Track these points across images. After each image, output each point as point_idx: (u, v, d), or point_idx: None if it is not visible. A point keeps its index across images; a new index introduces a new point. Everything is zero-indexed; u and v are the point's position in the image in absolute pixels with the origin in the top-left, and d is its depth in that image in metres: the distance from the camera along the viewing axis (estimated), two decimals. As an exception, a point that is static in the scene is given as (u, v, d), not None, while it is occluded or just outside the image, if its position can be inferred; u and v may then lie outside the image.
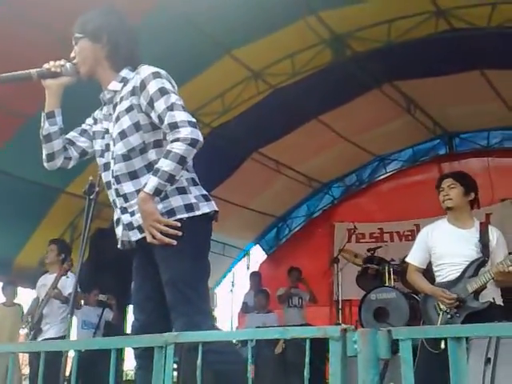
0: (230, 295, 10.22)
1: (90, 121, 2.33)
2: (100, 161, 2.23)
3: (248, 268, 10.68)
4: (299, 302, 7.43)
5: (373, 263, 6.69)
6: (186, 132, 1.95)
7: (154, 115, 2.03)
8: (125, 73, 2.17)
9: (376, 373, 1.25)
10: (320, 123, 8.20)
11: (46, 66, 2.19)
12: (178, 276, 1.99)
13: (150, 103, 2.02)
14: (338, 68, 6.87)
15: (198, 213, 2.05)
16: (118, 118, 2.11)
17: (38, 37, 5.12)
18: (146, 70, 2.07)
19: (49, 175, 7.03)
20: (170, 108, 1.98)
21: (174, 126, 1.96)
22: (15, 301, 6.67)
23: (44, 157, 2.27)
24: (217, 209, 2.12)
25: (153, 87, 2.02)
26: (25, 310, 6.50)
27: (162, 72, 2.09)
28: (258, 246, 10.89)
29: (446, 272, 3.36)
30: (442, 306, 3.35)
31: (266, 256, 10.77)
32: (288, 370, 5.61)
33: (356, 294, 6.84)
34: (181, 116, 1.97)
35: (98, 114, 2.30)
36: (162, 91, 2.01)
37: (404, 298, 5.73)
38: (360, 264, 6.91)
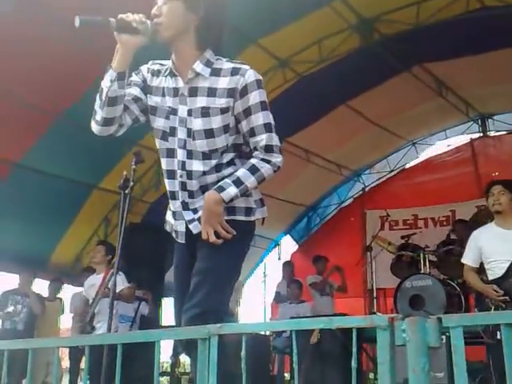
0: (261, 286, 10.24)
1: (138, 82, 2.08)
2: (161, 144, 2.06)
3: (279, 258, 10.67)
4: (330, 290, 7.39)
5: (407, 250, 6.60)
6: (278, 159, 2.01)
7: (244, 124, 1.99)
8: (209, 54, 2.02)
9: (426, 361, 1.22)
10: (349, 109, 8.11)
11: (124, 17, 1.92)
12: (214, 269, 1.97)
13: (247, 112, 1.97)
14: (366, 52, 6.76)
15: (252, 218, 2.06)
16: (206, 113, 1.97)
17: (52, 31, 5.15)
18: (251, 75, 1.97)
19: (81, 172, 7.22)
20: (269, 128, 1.99)
21: (269, 149, 1.99)
22: (57, 296, 6.86)
23: (99, 119, 2.00)
24: (266, 215, 2.11)
25: (255, 98, 1.97)
26: (65, 304, 6.69)
27: (262, 80, 2.02)
28: (288, 236, 10.86)
29: (495, 270, 3.70)
30: (493, 302, 3.64)
31: (297, 246, 10.74)
32: (324, 360, 5.58)
33: (390, 282, 6.76)
34: (277, 141, 2.02)
35: (152, 79, 2.08)
36: (263, 106, 1.98)
37: (440, 285, 5.64)
38: (394, 251, 6.83)
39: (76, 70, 5.54)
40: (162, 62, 2.11)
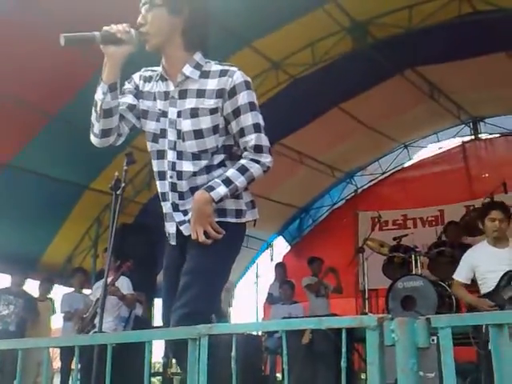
0: (254, 287, 10.25)
1: (131, 89, 2.11)
2: (152, 146, 2.08)
3: (271, 259, 10.68)
4: (325, 291, 7.41)
5: (399, 251, 6.63)
6: (267, 159, 2.01)
7: (234, 124, 2.00)
8: (198, 57, 2.03)
9: (415, 362, 1.23)
10: (342, 111, 8.14)
11: (108, 29, 1.93)
12: (203, 270, 1.96)
13: (236, 113, 1.98)
14: (359, 55, 6.80)
15: (243, 220, 2.06)
16: (195, 114, 1.99)
17: (45, 30, 5.13)
18: (239, 76, 1.98)
19: (73, 172, 7.20)
20: (258, 129, 2.00)
21: (258, 149, 2.00)
22: (48, 296, 6.83)
23: (97, 132, 2.02)
24: (257, 217, 2.12)
25: (244, 98, 1.98)
26: (56, 304, 6.66)
27: (251, 81, 2.03)
28: (281, 237, 10.88)
29: (488, 285, 3.99)
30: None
31: (289, 247, 10.76)
32: (315, 360, 5.60)
33: (382, 283, 6.77)
34: (266, 141, 2.02)
35: (144, 85, 2.10)
36: (252, 106, 1.99)
37: (432, 286, 5.66)
38: (386, 253, 6.85)
39: (69, 71, 5.53)
40: (154, 68, 2.13)
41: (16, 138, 6.42)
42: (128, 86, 2.13)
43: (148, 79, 2.12)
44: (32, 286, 6.93)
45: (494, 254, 4.07)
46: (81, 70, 5.56)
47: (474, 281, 4.18)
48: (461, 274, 4.22)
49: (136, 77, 2.15)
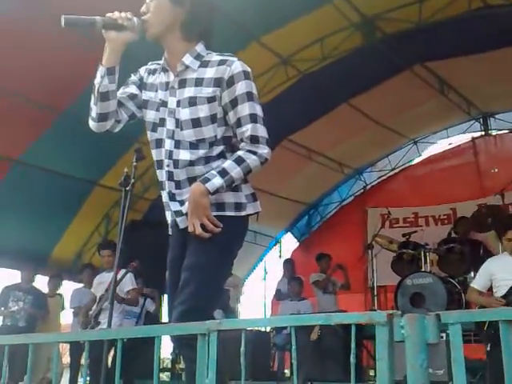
0: (262, 283, 10.26)
1: (135, 80, 2.15)
2: (151, 135, 2.10)
3: (280, 256, 10.68)
4: (333, 288, 7.41)
5: (408, 248, 6.60)
6: (264, 150, 1.98)
7: (231, 114, 1.99)
8: (200, 49, 2.04)
9: (425, 358, 1.22)
10: (351, 107, 8.11)
11: (111, 15, 1.95)
12: (202, 265, 1.95)
13: (233, 103, 1.97)
14: (368, 51, 6.77)
15: (243, 213, 2.03)
16: (193, 103, 1.99)
17: (52, 27, 5.15)
18: (238, 66, 1.98)
19: (82, 169, 7.23)
20: (254, 119, 1.97)
21: (255, 140, 1.97)
22: (57, 291, 6.88)
23: (94, 116, 2.05)
24: (260, 209, 2.09)
25: (241, 88, 1.96)
26: (65, 300, 6.70)
27: (251, 72, 2.00)
28: (289, 233, 10.87)
29: (501, 291, 4.14)
30: None
31: (297, 244, 10.75)
32: (324, 357, 5.60)
33: (391, 279, 6.76)
34: (263, 132, 1.99)
35: (148, 77, 2.13)
36: (250, 96, 1.97)
37: (441, 283, 5.65)
38: (395, 249, 6.83)
39: (77, 67, 5.54)
40: (159, 61, 2.14)
41: (25, 135, 6.46)
42: (133, 77, 2.16)
43: (152, 72, 2.14)
44: (42, 282, 6.99)
45: (510, 262, 4.18)
46: (88, 67, 5.58)
47: (489, 288, 4.33)
48: (479, 283, 4.36)
49: (142, 69, 2.18)
